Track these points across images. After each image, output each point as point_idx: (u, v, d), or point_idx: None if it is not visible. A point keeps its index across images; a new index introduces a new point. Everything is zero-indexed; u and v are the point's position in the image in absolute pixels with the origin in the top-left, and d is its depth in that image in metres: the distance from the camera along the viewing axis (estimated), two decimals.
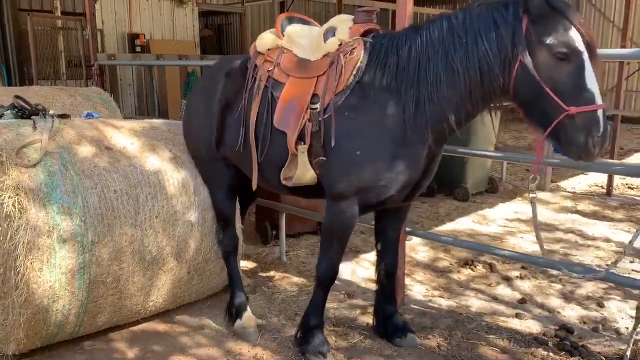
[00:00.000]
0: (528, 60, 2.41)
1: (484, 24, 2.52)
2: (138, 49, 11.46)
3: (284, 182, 2.99)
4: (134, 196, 3.24)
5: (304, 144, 2.88)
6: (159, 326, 3.53)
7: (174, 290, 3.50)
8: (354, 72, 2.83)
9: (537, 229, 2.77)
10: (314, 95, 2.91)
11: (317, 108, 2.87)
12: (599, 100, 2.35)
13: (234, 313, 3.52)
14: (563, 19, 2.38)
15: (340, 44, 2.93)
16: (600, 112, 2.35)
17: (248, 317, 3.48)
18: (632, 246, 2.59)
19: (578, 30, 2.37)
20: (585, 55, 2.37)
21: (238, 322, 3.46)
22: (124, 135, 3.51)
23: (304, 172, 2.91)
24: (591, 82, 2.36)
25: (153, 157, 3.47)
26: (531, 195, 2.65)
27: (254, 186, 3.22)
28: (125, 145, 3.44)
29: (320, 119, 2.85)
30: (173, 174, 3.47)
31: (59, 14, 11.29)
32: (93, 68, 6.87)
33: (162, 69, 10.18)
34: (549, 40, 2.37)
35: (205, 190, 3.58)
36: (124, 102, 10.97)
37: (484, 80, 2.56)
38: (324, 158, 2.87)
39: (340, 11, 13.92)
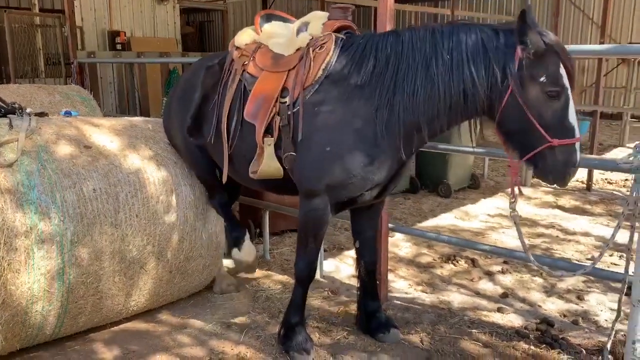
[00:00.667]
0: (519, 94, 2.46)
1: (472, 46, 2.54)
2: (119, 46, 11.33)
3: (251, 175, 3.01)
4: (114, 195, 3.20)
5: (272, 137, 2.90)
6: (140, 325, 3.50)
7: (156, 290, 3.47)
8: (323, 67, 2.84)
9: (525, 246, 2.84)
10: (284, 89, 2.92)
11: (286, 102, 2.89)
12: (577, 134, 2.49)
13: (232, 244, 3.70)
14: (555, 56, 2.44)
15: (311, 39, 2.95)
16: (577, 145, 2.49)
17: (247, 249, 3.67)
18: (613, 241, 2.62)
19: (565, 66, 2.46)
20: (569, 90, 2.47)
21: (235, 252, 3.64)
22: (104, 134, 3.47)
23: (268, 164, 2.92)
24: (573, 116, 2.48)
25: (133, 155, 3.43)
26: (512, 214, 2.73)
27: (224, 178, 3.25)
28: (105, 144, 3.39)
29: (289, 112, 2.86)
30: (153, 173, 3.43)
31: (37, 11, 11.13)
32: (72, 66, 6.78)
33: (143, 67, 10.09)
34: (542, 79, 2.44)
35: (186, 189, 3.56)
36: (104, 100, 10.85)
37: (467, 101, 2.60)
38: (294, 153, 2.88)
39: (323, 8, 13.92)
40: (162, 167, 3.50)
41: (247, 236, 3.74)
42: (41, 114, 3.51)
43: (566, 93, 2.46)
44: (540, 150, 2.48)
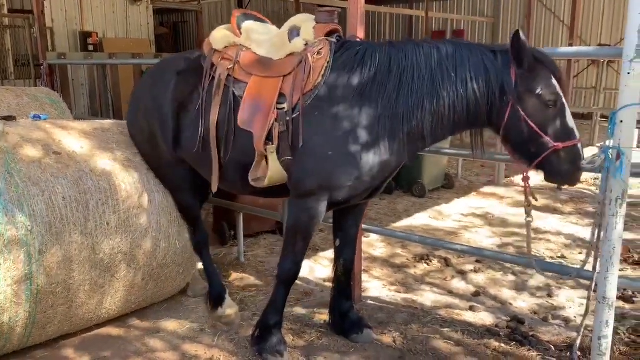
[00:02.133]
0: (520, 107, 2.65)
1: (474, 66, 2.71)
2: (90, 47, 11.17)
3: (253, 183, 2.94)
4: (84, 203, 3.12)
5: (272, 144, 2.87)
6: (112, 331, 3.46)
7: (128, 297, 3.42)
8: (322, 73, 2.86)
9: (530, 251, 3.04)
10: (281, 94, 2.90)
11: (284, 108, 2.86)
12: (577, 135, 2.68)
13: (214, 303, 3.61)
14: (546, 69, 2.65)
15: (306, 44, 2.95)
16: (579, 145, 2.68)
17: (229, 305, 3.60)
18: (596, 245, 2.70)
19: (556, 76, 2.67)
20: (563, 97, 2.67)
21: (220, 310, 3.56)
22: (74, 138, 3.40)
23: (275, 171, 2.88)
24: (571, 120, 2.68)
25: (104, 161, 3.35)
26: (527, 219, 2.90)
27: (214, 188, 3.18)
28: (75, 149, 3.31)
29: (288, 118, 2.84)
30: (125, 178, 3.36)
31: (6, 12, 10.89)
32: (42, 67, 6.66)
33: (115, 68, 9.94)
34: (539, 90, 2.63)
35: (159, 195, 3.49)
36: (76, 102, 10.68)
37: (469, 116, 2.76)
38: (291, 157, 2.87)
39: (299, 10, 13.89)
40: (134, 172, 3.43)
41: (227, 293, 3.66)
42: (8, 118, 3.44)
43: (561, 100, 2.65)
44: (547, 155, 2.65)
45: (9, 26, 10.49)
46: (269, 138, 2.88)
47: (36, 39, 7.02)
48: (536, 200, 2.89)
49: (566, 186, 2.90)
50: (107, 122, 3.92)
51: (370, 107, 2.79)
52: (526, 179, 2.81)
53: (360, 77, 2.81)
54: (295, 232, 3.00)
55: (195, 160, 3.26)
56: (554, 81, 2.64)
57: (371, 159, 2.81)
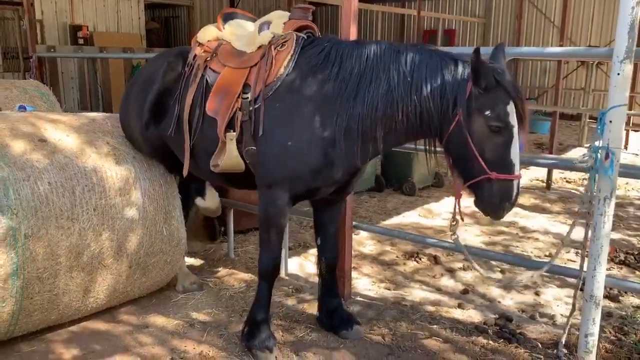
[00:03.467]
0: (465, 123, 2.57)
1: (430, 72, 2.66)
2: (81, 41, 11.07)
3: (212, 168, 3.04)
4: (70, 189, 3.13)
5: (234, 131, 2.94)
6: (100, 325, 3.44)
7: (116, 286, 3.41)
8: (285, 64, 2.91)
9: (472, 262, 3.02)
10: (246, 85, 2.97)
11: (248, 97, 2.93)
12: (517, 171, 2.58)
13: (194, 194, 3.97)
14: (504, 93, 2.54)
15: (273, 37, 3.02)
16: (515, 182, 2.58)
17: (209, 196, 3.91)
18: (569, 238, 2.71)
19: (515, 104, 2.55)
20: (516, 128, 2.56)
21: (199, 200, 3.91)
22: (60, 129, 3.39)
23: (230, 158, 2.96)
24: (515, 154, 2.57)
25: (91, 149, 3.36)
26: (453, 237, 2.89)
27: (185, 172, 3.26)
28: (61, 138, 3.32)
29: (250, 108, 2.91)
30: (112, 167, 3.37)
31: None
32: (31, 60, 6.61)
33: (105, 62, 9.88)
34: (487, 112, 2.54)
35: (146, 183, 3.50)
36: (65, 95, 10.59)
37: (422, 122, 2.72)
38: (254, 147, 2.92)
39: (291, 7, 13.88)
40: (121, 161, 3.45)
41: (207, 185, 3.90)
42: None
43: (510, 131, 2.54)
44: (479, 181, 2.58)
45: None
46: (231, 126, 2.96)
47: (25, 31, 6.96)
48: (462, 220, 2.84)
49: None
50: (94, 114, 3.93)
51: (329, 104, 2.81)
52: (458, 196, 2.77)
53: (322, 73, 2.84)
54: (267, 226, 3.04)
55: (171, 142, 3.37)
56: (509, 108, 2.53)
57: (328, 154, 2.83)
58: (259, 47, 3.05)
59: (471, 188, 2.65)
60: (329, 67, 2.83)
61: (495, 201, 2.59)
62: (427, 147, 2.87)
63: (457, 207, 2.79)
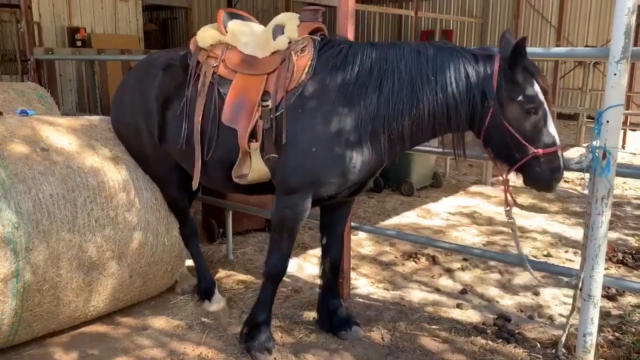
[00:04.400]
0: (500, 114, 2.66)
1: (454, 70, 2.71)
2: (78, 43, 11.05)
3: (236, 180, 2.97)
4: (72, 200, 3.10)
5: (256, 141, 2.89)
6: (99, 328, 3.44)
7: (116, 295, 3.40)
8: (306, 71, 2.88)
9: (521, 251, 3.01)
10: (265, 92, 2.92)
11: (268, 105, 2.88)
12: (558, 142, 2.70)
13: (202, 296, 3.72)
14: (530, 76, 2.65)
15: (290, 42, 2.96)
16: (559, 152, 2.69)
17: (217, 300, 3.68)
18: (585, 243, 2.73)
19: (539, 84, 2.67)
20: (546, 104, 2.67)
21: (206, 304, 3.67)
22: (61, 135, 3.36)
23: (258, 169, 2.91)
24: (552, 127, 2.69)
25: (92, 157, 3.32)
26: (509, 221, 2.93)
27: (195, 185, 3.20)
28: (63, 146, 3.28)
29: (272, 116, 2.86)
30: (113, 176, 3.34)
31: None
32: (29, 63, 6.59)
33: (103, 64, 9.85)
34: (520, 98, 2.64)
35: (147, 192, 3.48)
36: (64, 98, 10.59)
37: (450, 120, 2.76)
38: (275, 155, 2.88)
39: (288, 8, 13.87)
40: (123, 169, 3.41)
41: (216, 287, 3.77)
42: None
43: (543, 107, 2.66)
44: (527, 161, 2.67)
45: None
46: (252, 135, 2.90)
47: (23, 34, 6.95)
48: (515, 203, 2.92)
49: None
50: (95, 118, 3.87)
51: (352, 107, 2.81)
52: (506, 182, 2.84)
53: (343, 76, 2.83)
54: (281, 229, 3.01)
55: (180, 155, 3.28)
56: (537, 88, 2.65)
57: (353, 158, 2.83)
58: (274, 53, 2.99)
59: (519, 170, 2.73)
60: (349, 70, 2.82)
61: (547, 175, 2.68)
62: (455, 142, 2.90)
63: (507, 193, 2.87)
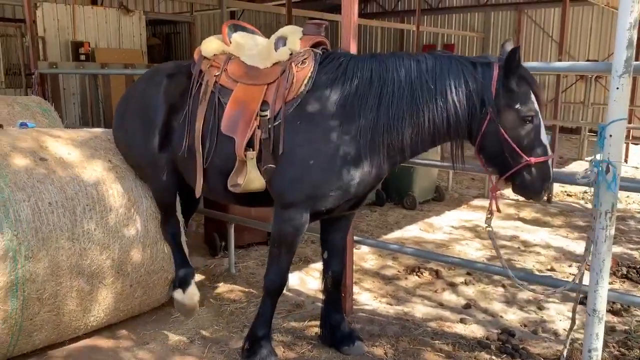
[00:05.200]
0: (497, 121, 2.68)
1: (454, 78, 2.73)
2: (82, 57, 11.13)
3: (231, 188, 2.97)
4: (71, 208, 3.11)
5: (253, 150, 2.89)
6: (101, 342, 3.42)
7: (117, 304, 3.39)
8: (305, 82, 2.89)
9: (501, 259, 2.97)
10: (264, 102, 2.94)
11: (267, 115, 2.89)
12: (549, 152, 2.73)
13: (177, 284, 3.57)
14: (527, 85, 2.69)
15: (291, 54, 2.98)
16: (550, 162, 2.72)
17: (191, 293, 3.54)
18: (587, 257, 2.71)
19: (535, 93, 2.71)
20: (540, 114, 2.71)
21: (177, 293, 3.53)
22: (61, 145, 3.39)
23: (253, 179, 2.91)
24: (544, 137, 2.73)
25: (91, 167, 3.35)
26: (488, 229, 2.92)
27: (198, 193, 3.19)
28: (62, 156, 3.31)
29: (270, 126, 2.87)
30: (112, 185, 3.36)
31: None
32: (33, 76, 6.64)
33: (107, 78, 9.94)
34: (518, 106, 2.68)
35: (147, 201, 3.50)
36: (67, 111, 10.64)
37: (449, 128, 2.78)
38: (273, 165, 2.88)
39: (290, 22, 13.98)
40: (122, 179, 3.44)
41: (194, 279, 3.61)
42: None
43: (537, 116, 2.69)
44: (519, 169, 2.69)
45: (0, 35, 10.46)
46: (250, 145, 2.91)
47: (28, 48, 7.00)
48: (499, 211, 2.93)
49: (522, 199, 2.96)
50: (95, 130, 3.91)
51: (351, 119, 2.81)
52: (494, 189, 2.87)
53: (342, 88, 2.84)
54: (280, 243, 3.01)
55: (182, 163, 3.28)
56: (533, 97, 2.69)
57: (352, 170, 2.83)
58: (275, 64, 3.01)
59: (510, 178, 2.75)
60: (348, 82, 2.84)
61: (537, 184, 2.71)
62: (454, 151, 2.92)
63: (492, 200, 2.87)
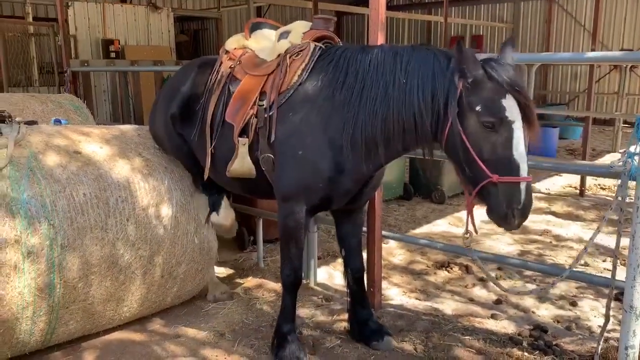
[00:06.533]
0: (457, 124, 2.44)
1: (423, 73, 2.57)
2: (112, 54, 11.33)
3: (227, 173, 3.09)
4: (104, 200, 3.19)
5: (247, 137, 3.00)
6: (133, 335, 3.48)
7: (148, 295, 3.45)
8: (298, 73, 2.92)
9: (487, 273, 2.91)
10: (263, 92, 3.02)
11: (264, 105, 2.98)
12: (524, 172, 2.37)
13: (211, 209, 3.78)
14: (498, 86, 2.37)
15: (290, 46, 3.06)
16: (523, 185, 2.37)
17: (224, 213, 3.77)
18: (592, 242, 2.61)
19: (515, 97, 2.37)
20: (517, 124, 2.37)
21: (214, 216, 3.77)
22: (93, 141, 3.48)
23: (241, 163, 3.02)
24: (518, 153, 2.36)
25: (123, 160, 3.44)
26: (468, 252, 2.80)
27: (206, 175, 3.32)
28: (95, 150, 3.40)
29: (265, 115, 2.95)
30: (144, 177, 3.44)
31: (31, 20, 11.13)
32: (66, 74, 6.78)
33: (137, 75, 10.07)
34: (478, 108, 2.39)
35: (177, 193, 3.56)
36: (98, 108, 10.84)
37: (417, 127, 2.61)
38: (271, 155, 2.94)
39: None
40: (153, 172, 3.52)
41: (224, 201, 3.83)
42: (31, 123, 3.50)
43: (509, 126, 2.36)
44: (484, 187, 2.39)
45: (33, 34, 10.72)
46: (246, 132, 3.01)
47: (60, 47, 7.15)
48: (476, 232, 2.62)
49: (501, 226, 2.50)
50: (126, 127, 4.02)
51: (337, 112, 2.80)
52: (470, 205, 2.55)
53: (332, 81, 2.84)
54: (286, 238, 3.05)
55: (196, 147, 3.44)
56: (505, 102, 2.36)
57: (338, 163, 2.82)
58: (278, 56, 3.10)
59: (480, 197, 2.46)
60: (337, 75, 2.83)
61: (501, 207, 2.38)
62: (424, 155, 2.77)
63: (469, 218, 2.59)
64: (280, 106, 2.93)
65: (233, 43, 3.39)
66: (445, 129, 2.51)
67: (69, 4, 10.75)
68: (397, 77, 2.64)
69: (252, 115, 2.99)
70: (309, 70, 2.92)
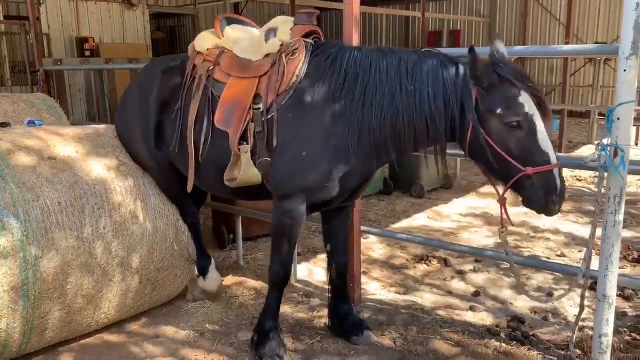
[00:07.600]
0: (480, 129, 2.51)
1: (432, 81, 2.61)
2: (87, 52, 11.15)
3: (227, 182, 2.98)
4: (79, 207, 3.11)
5: (247, 144, 2.89)
6: (111, 337, 3.44)
7: (126, 301, 3.40)
8: (297, 73, 2.87)
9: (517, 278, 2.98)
10: (256, 95, 2.92)
11: (259, 108, 2.88)
12: (553, 159, 2.47)
13: (198, 272, 3.84)
14: (512, 87, 2.47)
15: (282, 45, 2.96)
16: (556, 171, 2.47)
17: (210, 279, 3.83)
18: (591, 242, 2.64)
19: (528, 93, 2.48)
20: (537, 116, 2.47)
21: (200, 280, 3.82)
22: (68, 143, 3.39)
23: (247, 172, 2.91)
24: (544, 142, 2.47)
25: (99, 165, 3.35)
26: (504, 247, 2.82)
27: (190, 187, 3.23)
28: (69, 154, 3.31)
29: (263, 119, 2.86)
30: (120, 182, 3.36)
31: (1, 18, 10.89)
32: (38, 73, 6.65)
33: (112, 73, 9.94)
34: (499, 111, 2.47)
35: (155, 198, 3.49)
36: (73, 107, 10.68)
37: (429, 132, 2.67)
38: (268, 159, 2.88)
39: (294, 12, 13.89)
40: (129, 176, 3.43)
41: (213, 265, 3.86)
42: (2, 124, 3.43)
43: (530, 120, 2.46)
44: (519, 180, 2.48)
45: (4, 32, 10.52)
46: (244, 138, 2.91)
47: (32, 45, 7.01)
48: (512, 225, 2.71)
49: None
50: (101, 127, 3.91)
51: (340, 113, 2.78)
52: (502, 201, 2.63)
53: (331, 81, 2.81)
54: (280, 235, 3.01)
55: (175, 157, 3.32)
56: (521, 100, 2.46)
57: (343, 162, 2.81)
58: (266, 55, 3.00)
59: (514, 190, 2.55)
60: (336, 75, 2.79)
61: (539, 196, 2.48)
62: (437, 154, 2.80)
63: (502, 213, 2.67)
64: (279, 108, 2.86)
65: (204, 43, 3.25)
66: (466, 135, 2.56)
67: (41, 2, 10.55)
68: (403, 82, 2.66)
69: (249, 120, 2.89)
70: (305, 69, 2.87)
